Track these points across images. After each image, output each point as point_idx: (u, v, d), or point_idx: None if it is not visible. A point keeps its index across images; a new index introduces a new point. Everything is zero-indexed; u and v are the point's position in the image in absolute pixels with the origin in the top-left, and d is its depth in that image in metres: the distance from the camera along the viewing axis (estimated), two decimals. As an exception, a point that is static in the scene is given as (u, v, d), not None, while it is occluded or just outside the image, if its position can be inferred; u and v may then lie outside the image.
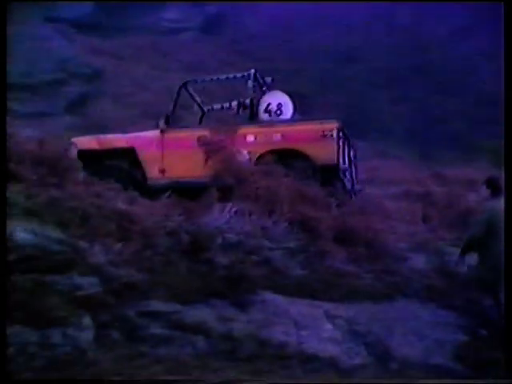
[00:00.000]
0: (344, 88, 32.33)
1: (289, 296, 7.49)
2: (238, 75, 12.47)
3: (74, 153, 10.76)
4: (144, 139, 11.62)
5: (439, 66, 36.23)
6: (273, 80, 12.60)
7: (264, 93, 12.04)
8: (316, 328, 7.05)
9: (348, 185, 11.00)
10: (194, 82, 12.96)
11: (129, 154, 11.25)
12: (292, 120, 11.42)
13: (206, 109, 13.04)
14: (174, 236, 7.88)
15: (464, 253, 8.99)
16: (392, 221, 9.86)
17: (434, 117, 31.07)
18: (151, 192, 9.60)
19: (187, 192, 9.47)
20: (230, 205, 8.81)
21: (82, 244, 6.84)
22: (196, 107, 13.05)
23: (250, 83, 11.82)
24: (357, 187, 11.65)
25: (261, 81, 12.30)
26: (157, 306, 6.64)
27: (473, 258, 9.03)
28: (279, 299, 7.35)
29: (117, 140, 11.67)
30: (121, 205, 7.91)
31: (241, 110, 12.00)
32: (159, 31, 40.27)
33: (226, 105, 12.70)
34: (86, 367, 5.60)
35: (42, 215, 7.02)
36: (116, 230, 7.38)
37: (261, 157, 10.62)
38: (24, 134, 9.97)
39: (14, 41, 29.65)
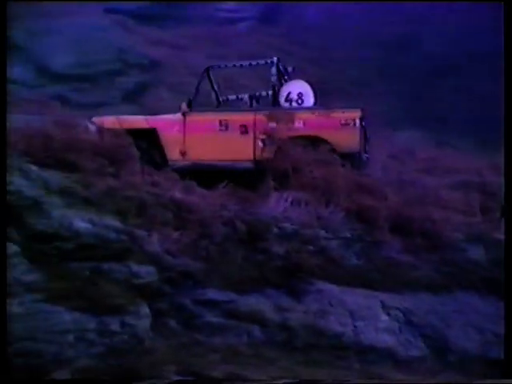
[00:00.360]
0: (401, 76, 32.01)
1: (344, 286, 7.45)
2: (261, 62, 12.53)
3: (94, 132, 10.94)
4: (166, 121, 11.69)
5: (499, 52, 35.56)
6: (294, 69, 12.62)
7: (285, 82, 12.07)
8: (372, 319, 7.01)
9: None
10: (217, 67, 13.03)
11: (149, 135, 11.30)
12: (314, 108, 11.41)
13: (221, 99, 13.07)
14: (230, 225, 7.90)
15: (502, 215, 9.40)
16: (449, 211, 9.71)
17: (492, 105, 30.57)
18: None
19: (207, 175, 9.48)
20: (285, 194, 8.80)
21: (139, 233, 6.89)
22: (213, 96, 13.08)
23: (274, 70, 11.85)
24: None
25: (282, 70, 12.32)
26: (213, 294, 6.67)
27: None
28: (335, 289, 7.32)
29: (138, 121, 11.72)
30: (178, 194, 7.95)
31: (254, 103, 12.01)
32: (216, 21, 40.35)
33: (241, 96, 12.77)
34: (143, 355, 5.66)
35: (100, 204, 7.10)
36: (173, 219, 7.43)
37: (282, 143, 10.65)
38: (83, 124, 10.09)
39: (74, 32, 30.08)
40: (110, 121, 11.19)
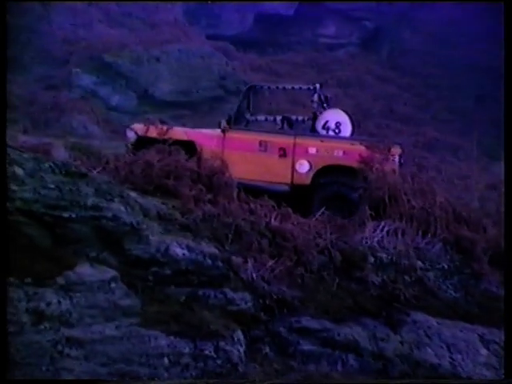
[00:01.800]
0: (500, 104, 31.46)
1: (441, 318, 7.35)
2: (304, 87, 12.66)
3: (132, 139, 11.07)
4: (205, 135, 11.81)
5: None
6: (331, 98, 12.63)
7: (324, 109, 12.03)
8: (470, 352, 6.89)
9: None
10: (260, 87, 13.10)
11: (186, 147, 11.33)
12: (355, 138, 11.36)
13: (249, 118, 13.02)
14: (326, 254, 7.90)
15: None
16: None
17: None
18: None
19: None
20: (382, 223, 8.75)
21: (236, 260, 6.96)
22: (246, 114, 13.08)
23: (316, 97, 11.85)
24: None
25: (322, 97, 12.29)
26: (308, 322, 6.67)
27: None
28: (431, 320, 7.22)
29: (177, 132, 11.78)
30: (274, 222, 8.00)
31: (285, 125, 12.00)
32: (316, 47, 40.53)
33: (271, 118, 12.78)
34: (237, 381, 5.70)
35: (197, 231, 7.20)
36: (268, 247, 7.47)
37: (321, 170, 10.85)
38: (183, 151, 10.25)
39: (178, 59, 30.65)
40: (147, 128, 11.32)
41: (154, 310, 5.92)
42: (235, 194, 8.69)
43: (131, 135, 11.15)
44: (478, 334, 7.19)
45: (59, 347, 5.20)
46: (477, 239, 8.77)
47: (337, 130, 11.65)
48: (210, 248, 6.91)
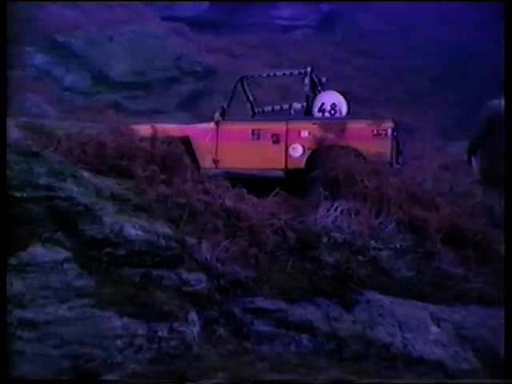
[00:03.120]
0: (460, 86, 31.72)
1: (394, 297, 7.41)
2: (295, 72, 12.72)
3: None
4: (199, 130, 11.96)
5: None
6: (327, 80, 12.70)
7: (319, 92, 12.12)
8: (422, 330, 6.96)
9: None
10: (251, 76, 13.17)
11: (183, 144, 11.43)
12: (346, 118, 11.46)
13: (256, 110, 13.18)
14: (280, 234, 7.93)
15: (469, 154, 10.50)
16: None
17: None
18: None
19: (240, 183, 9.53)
20: (336, 204, 8.81)
21: (190, 240, 6.95)
22: (248, 106, 13.21)
23: (307, 80, 11.96)
24: None
25: (316, 80, 12.38)
26: (262, 303, 6.69)
27: None
28: (385, 300, 7.28)
29: (171, 129, 11.89)
30: (228, 202, 8.00)
31: (292, 112, 12.12)
32: (272, 29, 40.52)
33: (277, 107, 12.89)
34: (192, 362, 5.70)
35: (151, 211, 7.18)
36: (223, 227, 7.48)
37: (314, 152, 10.97)
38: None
39: (132, 39, 30.45)
40: (144, 129, 11.35)
41: (108, 291, 5.89)
42: (189, 175, 8.69)
43: None
44: (430, 312, 7.26)
45: (11, 329, 5.16)
46: (430, 218, 8.84)
47: (333, 111, 11.72)
48: (164, 228, 6.88)
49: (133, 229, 6.57)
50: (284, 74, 13.04)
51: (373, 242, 8.31)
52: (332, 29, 42.00)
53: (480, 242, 8.73)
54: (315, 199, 9.15)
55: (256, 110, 13.31)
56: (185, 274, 6.51)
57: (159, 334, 5.72)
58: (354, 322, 6.87)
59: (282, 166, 11.23)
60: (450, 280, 8.13)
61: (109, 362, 5.34)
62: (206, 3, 39.40)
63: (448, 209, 9.29)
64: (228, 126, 11.82)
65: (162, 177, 8.22)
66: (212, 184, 8.47)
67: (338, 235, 8.21)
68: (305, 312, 6.76)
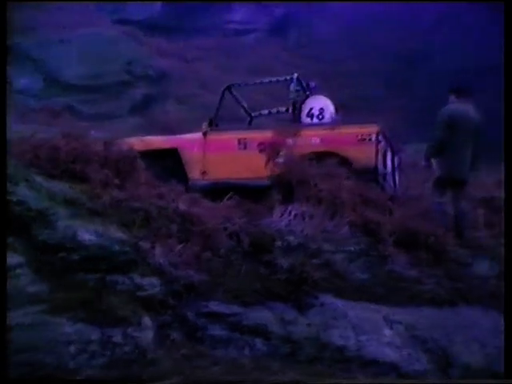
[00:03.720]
0: (409, 91, 32.07)
1: (348, 300, 7.46)
2: (281, 79, 12.68)
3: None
4: (186, 141, 11.90)
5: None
6: (315, 85, 12.69)
7: (307, 97, 12.11)
8: (375, 333, 7.02)
9: (389, 190, 10.96)
10: (237, 85, 13.12)
11: (172, 155, 11.43)
12: (332, 123, 11.47)
13: (253, 114, 13.16)
14: (235, 238, 7.93)
15: (428, 157, 10.53)
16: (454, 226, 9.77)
17: (500, 119, 30.61)
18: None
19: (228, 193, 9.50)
20: (290, 207, 8.83)
21: (144, 245, 6.91)
22: (242, 112, 13.19)
23: (292, 87, 11.96)
24: (399, 193, 11.61)
25: (304, 85, 12.39)
26: (216, 307, 6.68)
27: None
28: (338, 303, 7.33)
29: (160, 141, 11.88)
30: (182, 206, 7.98)
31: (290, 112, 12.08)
32: (225, 33, 40.57)
33: (274, 110, 12.85)
34: (146, 366, 5.67)
35: (105, 216, 7.13)
36: (177, 231, 7.46)
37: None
38: (90, 135, 10.12)
39: (84, 43, 30.25)
40: (133, 142, 11.32)
41: (62, 297, 5.83)
42: (143, 179, 8.65)
43: None
44: (383, 314, 7.33)
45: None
46: (382, 221, 8.93)
47: (320, 116, 11.69)
48: (117, 233, 6.82)
49: (87, 233, 6.50)
50: (270, 82, 12.95)
51: (327, 245, 8.36)
52: (285, 33, 42.19)
53: (432, 244, 8.84)
54: (269, 203, 9.17)
55: (253, 115, 13.25)
56: (138, 279, 6.46)
57: (113, 339, 5.68)
58: (308, 325, 6.91)
59: (270, 174, 10.99)
60: (403, 282, 8.23)
61: (62, 368, 5.28)
62: (159, 6, 39.29)
63: (400, 212, 9.39)
64: (215, 137, 11.75)
65: (116, 181, 8.17)
66: (166, 188, 8.45)
67: (292, 239, 8.24)
68: (259, 316, 6.77)
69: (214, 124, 12.00)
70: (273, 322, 6.75)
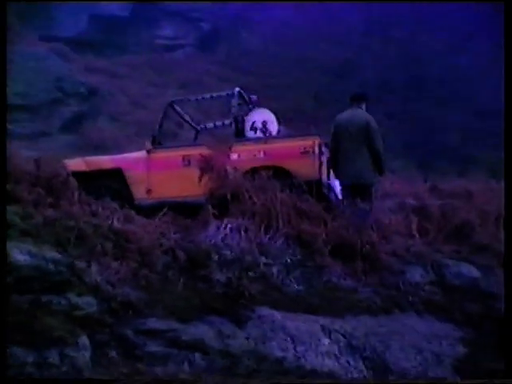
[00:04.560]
0: (339, 103, 32.39)
1: (286, 311, 7.49)
2: (223, 94, 12.58)
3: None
4: (130, 160, 11.73)
5: (435, 78, 36.45)
6: (258, 97, 12.68)
7: (250, 110, 12.09)
8: (313, 343, 7.06)
9: (334, 201, 11.02)
10: (179, 101, 13.05)
11: (117, 175, 11.31)
12: (274, 137, 11.49)
13: (199, 127, 13.13)
14: (171, 254, 7.92)
15: (333, 166, 10.96)
16: (388, 234, 9.88)
17: (429, 130, 31.19)
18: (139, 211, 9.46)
19: (175, 211, 9.46)
20: (225, 221, 8.83)
21: (79, 264, 6.84)
22: (187, 126, 13.13)
23: (234, 101, 11.91)
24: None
25: (246, 98, 12.39)
26: (154, 324, 6.64)
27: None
28: (276, 315, 7.35)
29: (103, 161, 11.74)
30: (117, 223, 7.93)
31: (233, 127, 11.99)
32: (154, 49, 40.47)
33: (219, 123, 12.80)
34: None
35: (38, 235, 7.04)
36: (112, 249, 7.40)
37: (245, 174, 10.54)
38: (22, 154, 9.99)
39: (10, 61, 29.80)
40: (75, 163, 11.17)
41: (-5, 320, 5.74)
42: (76, 197, 8.56)
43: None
44: (321, 325, 7.37)
45: None
46: (318, 232, 8.99)
47: (264, 129, 11.61)
48: (52, 253, 6.74)
49: (20, 254, 6.41)
50: (212, 97, 12.81)
51: (263, 257, 8.39)
52: (214, 48, 42.31)
53: (367, 253, 8.93)
54: (204, 218, 9.15)
55: (199, 128, 13.15)
56: (75, 298, 6.40)
57: (49, 360, 5.61)
58: (246, 338, 6.92)
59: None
60: (339, 292, 8.30)
61: (-1, 391, 5.20)
62: (85, 22, 38.98)
63: (335, 222, 9.46)
64: (159, 154, 11.60)
65: (49, 200, 8.08)
66: (99, 206, 8.39)
67: (228, 253, 8.25)
68: (197, 331, 6.76)
69: (157, 142, 11.86)
70: (211, 337, 6.74)
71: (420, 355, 7.32)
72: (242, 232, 8.69)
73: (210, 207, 9.21)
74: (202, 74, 36.03)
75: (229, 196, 9.33)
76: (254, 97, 12.66)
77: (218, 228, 8.74)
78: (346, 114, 10.96)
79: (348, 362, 6.95)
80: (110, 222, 7.92)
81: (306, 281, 8.41)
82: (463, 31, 39.28)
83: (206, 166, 10.15)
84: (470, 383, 6.74)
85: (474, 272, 9.53)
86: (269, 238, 8.77)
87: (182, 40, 42.77)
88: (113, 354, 6.20)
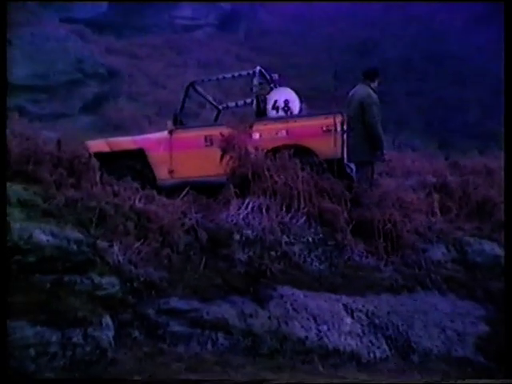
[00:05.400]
0: (359, 81, 32.20)
1: (307, 290, 7.48)
2: (244, 73, 12.45)
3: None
4: (152, 140, 11.67)
5: (454, 55, 36.18)
6: (280, 76, 12.56)
7: (271, 89, 11.99)
8: (336, 322, 7.05)
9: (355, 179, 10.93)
10: (200, 81, 12.96)
11: (139, 156, 11.29)
12: (296, 116, 11.37)
13: (221, 107, 13.07)
14: (192, 233, 7.90)
15: None
16: (410, 212, 9.80)
17: (450, 107, 30.98)
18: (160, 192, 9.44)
19: (197, 191, 9.44)
20: (247, 201, 8.80)
21: (101, 244, 6.85)
22: (209, 106, 13.05)
23: (256, 81, 11.79)
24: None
25: (268, 77, 12.28)
26: (176, 303, 6.66)
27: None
28: (298, 294, 7.34)
29: (126, 142, 11.71)
30: (138, 204, 7.93)
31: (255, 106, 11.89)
32: (173, 29, 40.39)
33: (241, 102, 12.73)
34: (107, 366, 5.64)
35: (61, 216, 7.05)
36: (134, 229, 7.40)
37: (267, 153, 10.31)
38: (42, 135, 9.98)
39: (31, 42, 29.83)
40: (97, 144, 11.16)
41: (19, 300, 5.76)
42: (98, 177, 8.56)
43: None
44: (343, 304, 7.36)
45: None
46: (339, 211, 8.94)
47: (286, 108, 11.48)
48: (74, 233, 6.74)
49: (42, 234, 6.41)
50: (233, 77, 12.73)
51: (284, 236, 8.35)
52: (234, 27, 42.16)
53: (389, 231, 8.87)
54: (226, 197, 9.12)
55: (220, 107, 13.11)
56: (97, 278, 6.41)
57: (73, 340, 5.63)
58: (269, 317, 6.92)
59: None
60: (361, 270, 8.26)
61: (21, 371, 5.23)
62: (105, 4, 38.91)
63: (356, 200, 9.41)
64: (181, 135, 11.50)
65: (71, 180, 8.08)
66: (121, 186, 8.38)
67: (249, 232, 8.22)
68: (219, 310, 6.76)
69: (179, 122, 11.81)
70: (233, 316, 6.75)
71: (443, 334, 7.30)
72: (264, 211, 8.64)
73: (231, 186, 9.17)
74: (222, 53, 35.93)
75: (250, 175, 9.27)
76: (275, 76, 12.53)
77: (240, 207, 8.71)
78: (352, 91, 10.91)
79: (371, 342, 6.94)
80: (131, 202, 7.91)
81: (328, 259, 8.37)
82: (482, 8, 38.90)
83: (227, 145, 10.07)
84: (470, 383, 6.71)
85: (497, 249, 9.43)
86: (290, 217, 8.73)
87: (201, 20, 42.62)
88: (136, 333, 6.22)
